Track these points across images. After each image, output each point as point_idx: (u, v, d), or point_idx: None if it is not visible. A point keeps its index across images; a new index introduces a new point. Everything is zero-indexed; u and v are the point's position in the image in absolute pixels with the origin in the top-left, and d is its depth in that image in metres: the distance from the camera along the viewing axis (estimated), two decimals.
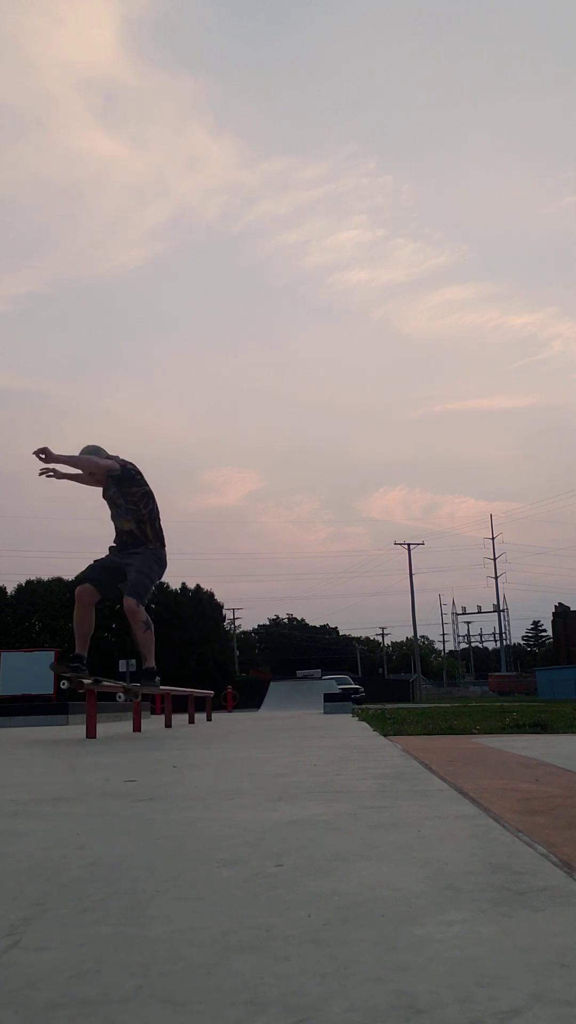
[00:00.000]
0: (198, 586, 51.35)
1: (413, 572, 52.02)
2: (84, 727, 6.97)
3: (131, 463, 5.93)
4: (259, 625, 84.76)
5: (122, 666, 32.42)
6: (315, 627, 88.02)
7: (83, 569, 5.89)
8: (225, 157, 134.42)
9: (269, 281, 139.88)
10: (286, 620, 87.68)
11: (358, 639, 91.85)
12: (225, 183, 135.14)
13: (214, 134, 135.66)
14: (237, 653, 59.30)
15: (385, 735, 4.83)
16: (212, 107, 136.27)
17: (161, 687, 10.44)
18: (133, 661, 33.88)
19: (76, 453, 5.80)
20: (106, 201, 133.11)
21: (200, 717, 12.98)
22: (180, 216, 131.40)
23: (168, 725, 9.42)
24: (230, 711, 22.33)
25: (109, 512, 5.93)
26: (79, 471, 5.69)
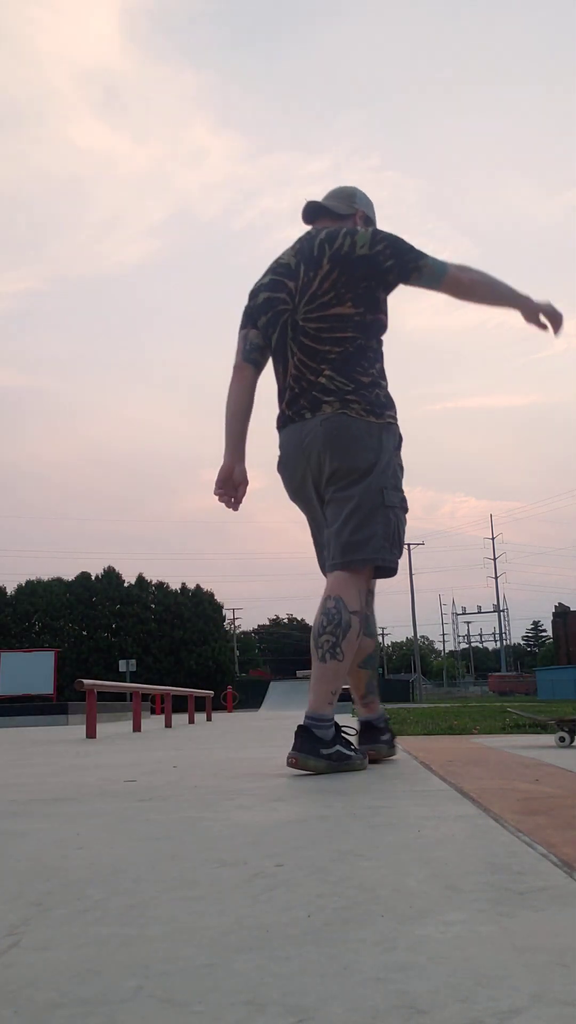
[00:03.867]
0: (198, 586, 51.31)
1: (413, 572, 52.01)
2: (84, 727, 6.97)
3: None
4: (259, 625, 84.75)
5: (122, 666, 32.35)
6: None
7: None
8: (227, 151, 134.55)
9: None
10: (286, 620, 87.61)
11: None
12: (227, 178, 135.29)
13: (216, 128, 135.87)
14: (237, 653, 59.26)
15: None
16: (214, 101, 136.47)
17: (163, 687, 10.41)
18: (133, 661, 33.77)
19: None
20: (107, 196, 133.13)
21: (200, 717, 12.97)
22: (181, 211, 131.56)
23: (168, 725, 9.43)
24: (230, 711, 22.32)
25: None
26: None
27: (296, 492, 2.76)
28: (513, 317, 2.97)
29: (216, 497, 2.78)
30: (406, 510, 2.68)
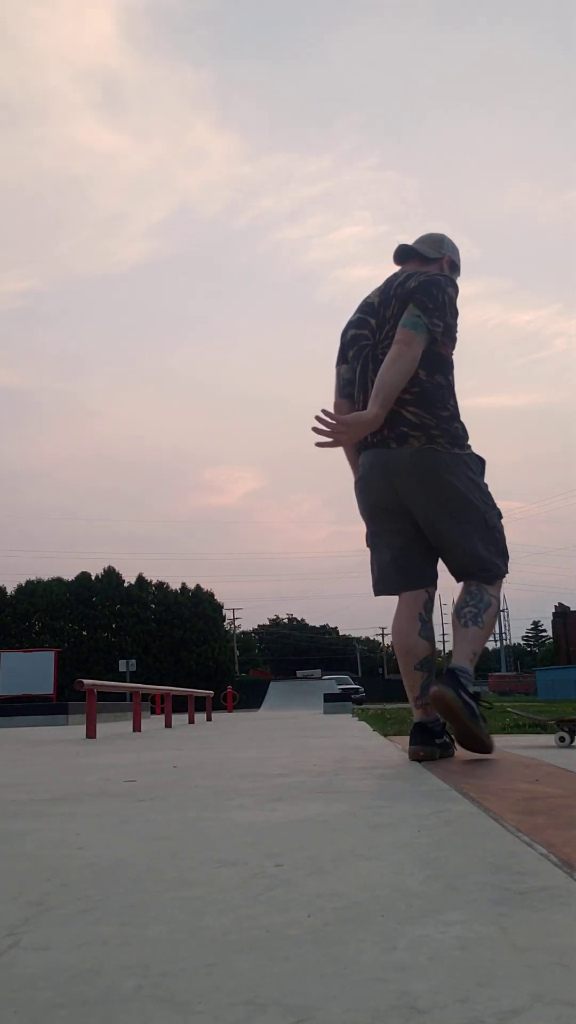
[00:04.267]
0: (198, 586, 51.34)
1: None
2: (84, 727, 6.97)
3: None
4: (259, 625, 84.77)
5: (122, 666, 32.32)
6: (315, 627, 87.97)
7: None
8: (227, 151, 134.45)
9: (271, 277, 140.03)
10: (286, 620, 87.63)
11: (358, 639, 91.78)
12: (227, 177, 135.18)
13: (216, 127, 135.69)
14: (237, 653, 59.26)
15: (385, 735, 4.83)
16: (214, 100, 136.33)
17: (163, 687, 10.36)
18: (133, 661, 33.73)
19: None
20: (106, 195, 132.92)
21: (200, 717, 12.98)
22: (181, 211, 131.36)
23: (168, 725, 9.42)
24: (230, 711, 22.31)
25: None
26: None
27: (372, 512, 3.03)
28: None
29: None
30: (502, 518, 3.02)
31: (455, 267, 3.14)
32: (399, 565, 3.00)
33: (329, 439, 2.72)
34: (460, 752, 3.18)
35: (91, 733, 6.58)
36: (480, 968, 0.73)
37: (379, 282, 3.09)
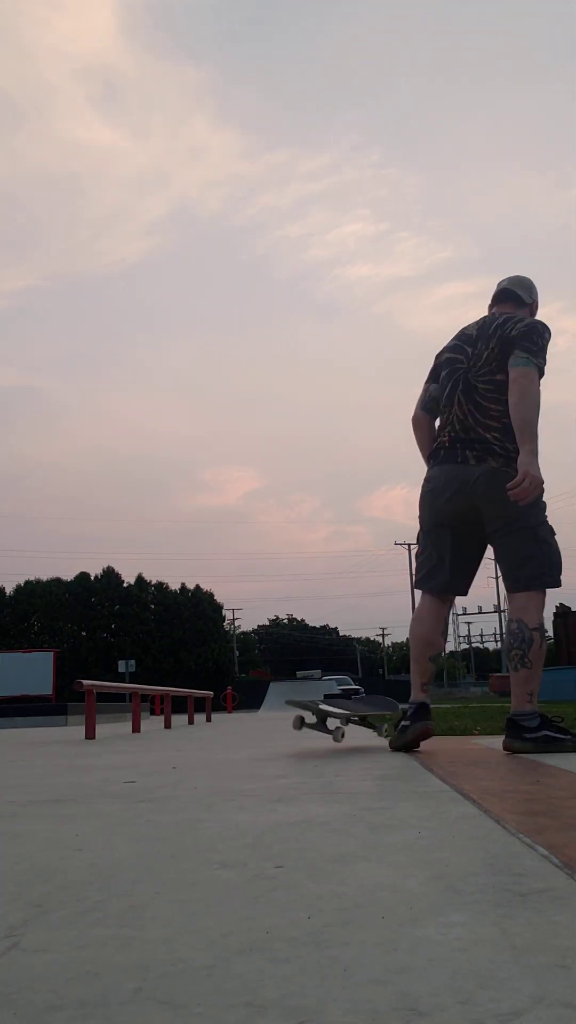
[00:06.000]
0: (198, 586, 51.27)
1: (413, 572, 51.97)
2: (83, 728, 6.97)
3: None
4: (259, 625, 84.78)
5: (122, 667, 32.29)
6: (315, 627, 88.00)
7: None
8: (226, 148, 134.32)
9: (270, 275, 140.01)
10: (286, 620, 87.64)
11: (358, 639, 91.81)
12: (226, 175, 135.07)
13: (216, 124, 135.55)
14: (237, 653, 59.25)
15: (386, 736, 4.83)
16: (214, 97, 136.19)
17: (162, 688, 10.36)
18: (133, 661, 33.68)
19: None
20: (106, 193, 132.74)
21: (200, 718, 12.98)
22: (181, 208, 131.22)
23: (167, 726, 9.42)
24: (230, 712, 22.31)
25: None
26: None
27: (439, 520, 3.35)
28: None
29: None
30: (554, 533, 3.26)
31: (536, 310, 3.53)
32: (448, 569, 3.34)
33: (527, 498, 3.02)
34: (462, 753, 3.18)
35: (90, 734, 6.57)
36: (481, 970, 0.73)
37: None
